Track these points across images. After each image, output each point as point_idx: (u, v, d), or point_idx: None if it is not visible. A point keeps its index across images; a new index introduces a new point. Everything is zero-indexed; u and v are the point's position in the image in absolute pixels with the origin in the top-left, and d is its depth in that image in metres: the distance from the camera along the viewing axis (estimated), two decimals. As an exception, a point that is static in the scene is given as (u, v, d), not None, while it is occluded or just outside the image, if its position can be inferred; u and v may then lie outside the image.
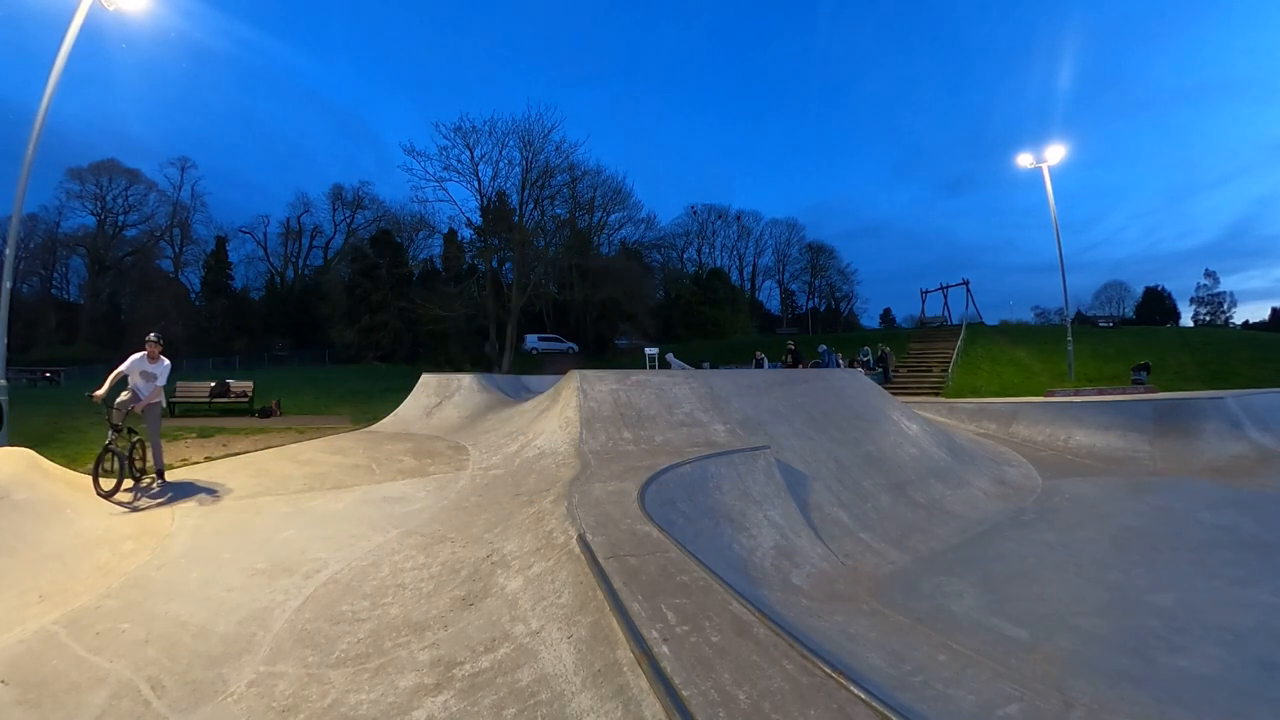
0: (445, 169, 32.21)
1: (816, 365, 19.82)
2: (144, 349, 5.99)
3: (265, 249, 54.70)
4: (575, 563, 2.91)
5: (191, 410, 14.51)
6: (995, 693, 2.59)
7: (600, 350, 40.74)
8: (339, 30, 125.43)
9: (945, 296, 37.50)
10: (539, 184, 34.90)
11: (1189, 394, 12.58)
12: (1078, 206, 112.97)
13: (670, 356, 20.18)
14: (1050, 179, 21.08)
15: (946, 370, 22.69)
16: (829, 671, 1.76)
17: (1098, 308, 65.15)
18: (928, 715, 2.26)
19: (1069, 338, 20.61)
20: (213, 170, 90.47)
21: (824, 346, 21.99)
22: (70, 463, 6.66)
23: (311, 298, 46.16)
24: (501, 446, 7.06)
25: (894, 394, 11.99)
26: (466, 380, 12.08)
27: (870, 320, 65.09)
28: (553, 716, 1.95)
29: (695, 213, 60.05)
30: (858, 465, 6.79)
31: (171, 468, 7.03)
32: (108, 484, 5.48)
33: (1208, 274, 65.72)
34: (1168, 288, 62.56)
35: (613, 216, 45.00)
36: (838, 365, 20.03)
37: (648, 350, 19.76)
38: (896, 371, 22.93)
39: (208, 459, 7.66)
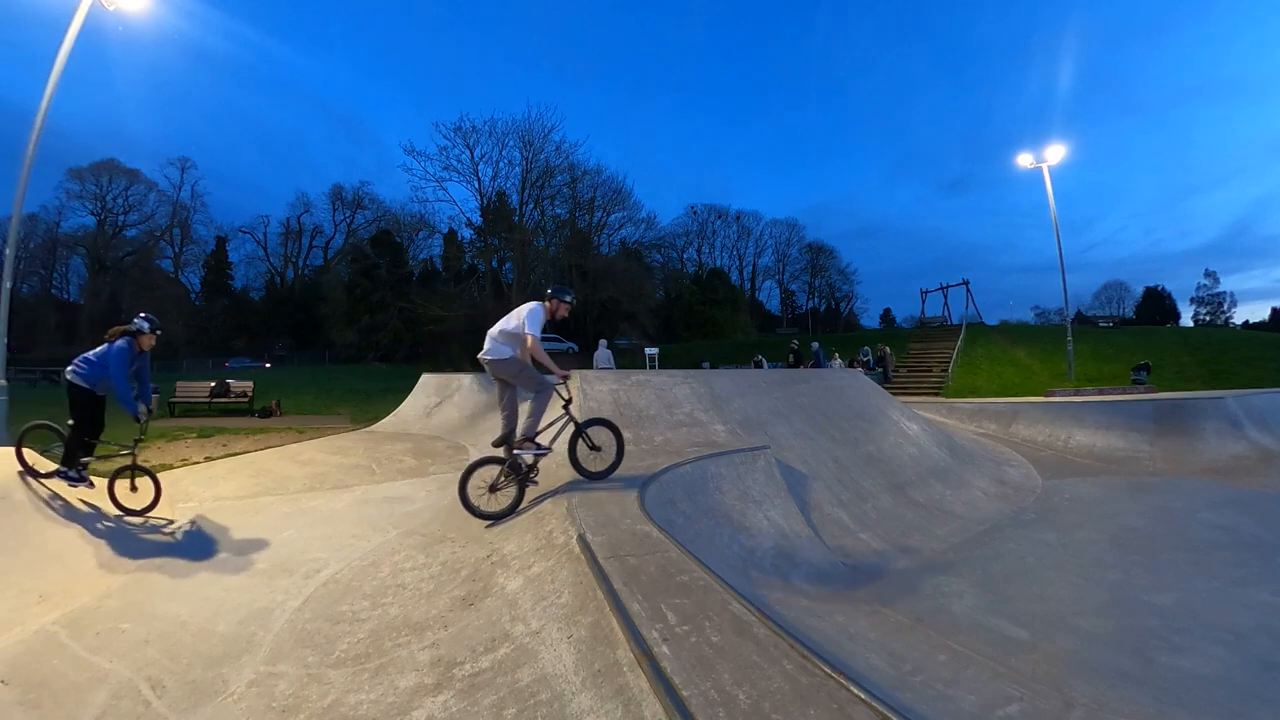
0: (445, 169, 32.33)
1: (814, 365, 19.84)
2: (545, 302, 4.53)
3: (265, 249, 54.76)
4: (575, 563, 2.91)
5: (191, 410, 14.51)
6: (995, 693, 2.59)
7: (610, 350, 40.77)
8: (339, 30, 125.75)
9: (945, 296, 37.58)
10: (539, 184, 34.97)
11: (1189, 394, 12.58)
12: (1077, 206, 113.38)
13: (602, 345, 15.31)
14: (1050, 179, 21.11)
15: (946, 370, 22.70)
16: (829, 671, 1.76)
17: (1098, 308, 65.26)
18: (928, 715, 2.26)
19: (1069, 338, 20.61)
20: (213, 170, 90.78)
21: (816, 345, 22.06)
22: (70, 463, 6.64)
23: (311, 298, 46.16)
24: (501, 446, 7.05)
25: (894, 394, 11.98)
26: (466, 380, 12.05)
27: (870, 320, 65.22)
28: (553, 716, 1.95)
29: (695, 213, 60.14)
30: (858, 465, 6.79)
31: (171, 468, 7.03)
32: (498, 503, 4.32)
33: (1207, 274, 65.85)
34: (1167, 288, 62.83)
35: (613, 216, 45.05)
36: (826, 363, 20.02)
37: (648, 350, 19.73)
38: (896, 371, 22.93)
39: (208, 459, 7.66)
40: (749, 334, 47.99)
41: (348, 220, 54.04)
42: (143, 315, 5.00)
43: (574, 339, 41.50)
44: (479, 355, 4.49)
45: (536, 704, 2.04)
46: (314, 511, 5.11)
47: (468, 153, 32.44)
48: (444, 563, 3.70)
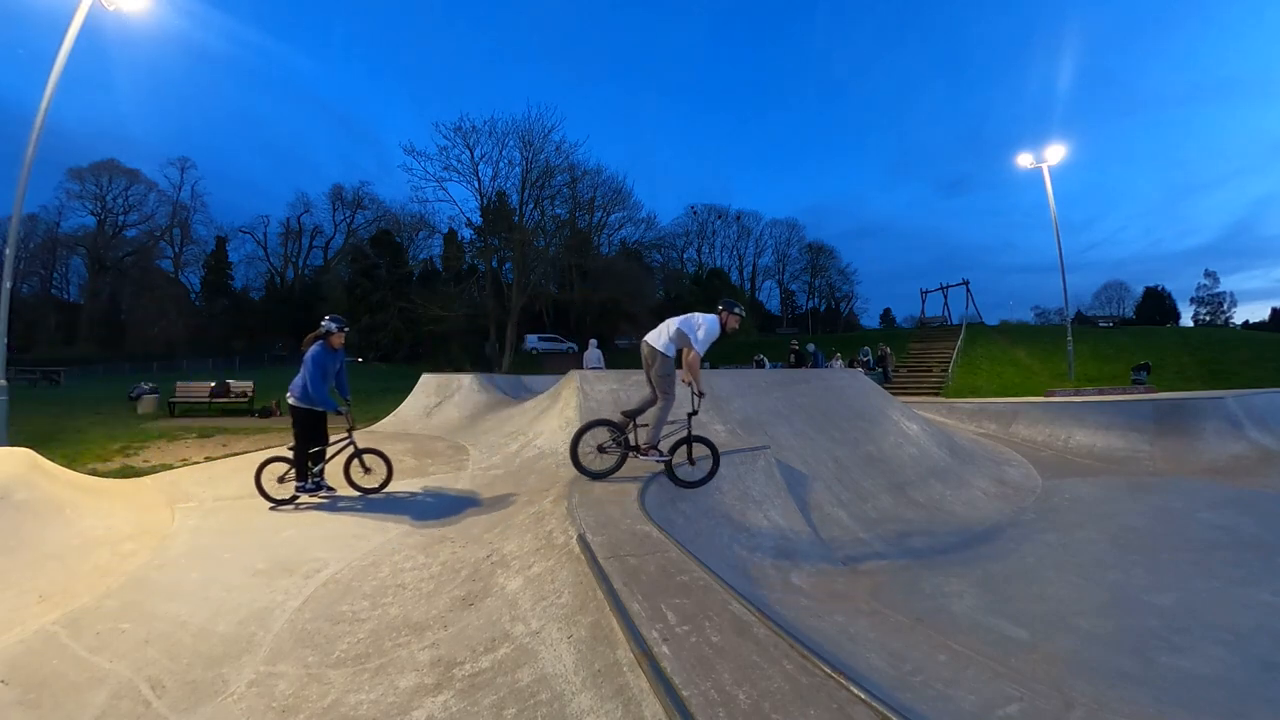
0: (445, 169, 32.22)
1: (812, 367, 19.85)
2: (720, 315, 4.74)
3: (265, 249, 54.80)
4: (575, 563, 2.91)
5: (191, 410, 14.52)
6: (995, 693, 2.59)
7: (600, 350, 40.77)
8: (339, 30, 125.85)
9: (945, 296, 37.60)
10: (539, 184, 34.89)
11: (1189, 394, 12.58)
12: (1077, 207, 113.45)
13: (593, 345, 15.80)
14: (1050, 179, 21.10)
15: (946, 370, 22.70)
16: (829, 671, 1.76)
17: (1098, 308, 65.26)
18: (928, 715, 2.26)
19: (1069, 338, 20.60)
20: (213, 170, 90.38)
21: (812, 346, 22.06)
22: (70, 463, 6.65)
23: (311, 298, 46.22)
24: (501, 446, 7.06)
25: (894, 394, 11.98)
26: (466, 380, 12.07)
27: (870, 320, 65.16)
28: (553, 716, 1.95)
29: (695, 213, 60.20)
30: (858, 465, 6.79)
31: (171, 467, 7.04)
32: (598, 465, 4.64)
33: (1208, 274, 65.81)
34: (1168, 288, 62.73)
35: (613, 216, 45.07)
36: (825, 364, 20.10)
37: None
38: (896, 371, 22.94)
39: (208, 459, 7.66)
40: (749, 334, 47.94)
41: (348, 220, 54.12)
42: (329, 316, 5.39)
43: (574, 339, 41.59)
44: (645, 337, 4.74)
45: (536, 704, 2.04)
46: (314, 511, 5.11)
47: (468, 153, 32.38)
48: (444, 563, 3.70)
